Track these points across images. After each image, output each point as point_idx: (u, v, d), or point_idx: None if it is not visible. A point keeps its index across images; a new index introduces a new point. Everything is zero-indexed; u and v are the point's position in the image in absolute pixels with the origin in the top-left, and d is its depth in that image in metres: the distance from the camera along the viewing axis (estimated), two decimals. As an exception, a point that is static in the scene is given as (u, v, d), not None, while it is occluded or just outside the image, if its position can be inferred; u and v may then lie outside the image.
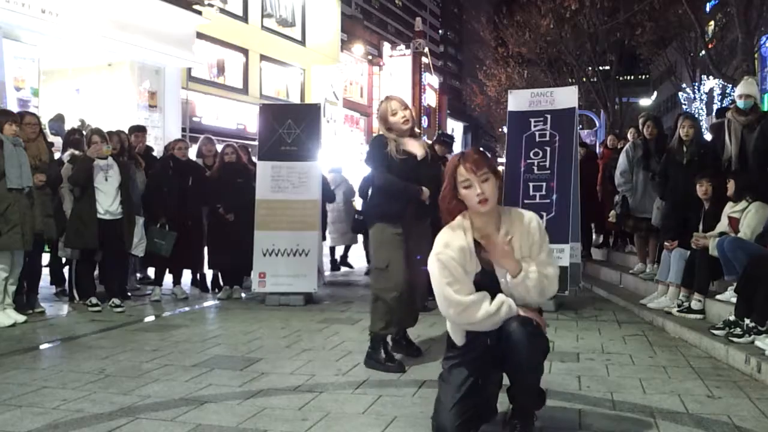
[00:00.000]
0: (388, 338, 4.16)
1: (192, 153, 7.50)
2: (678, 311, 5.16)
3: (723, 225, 5.14)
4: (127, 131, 7.21)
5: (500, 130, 37.63)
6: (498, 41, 28.38)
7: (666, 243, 5.74)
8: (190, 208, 6.78)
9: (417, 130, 4.18)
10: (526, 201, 6.07)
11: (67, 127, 8.33)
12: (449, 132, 40.47)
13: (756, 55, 18.47)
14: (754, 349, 3.87)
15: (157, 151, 8.72)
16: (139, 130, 7.50)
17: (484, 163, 2.57)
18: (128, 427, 2.94)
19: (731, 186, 5.14)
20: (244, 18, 17.42)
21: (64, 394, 3.41)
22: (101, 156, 5.92)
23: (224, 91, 16.73)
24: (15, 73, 9.23)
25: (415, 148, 4.06)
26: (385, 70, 29.90)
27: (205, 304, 6.65)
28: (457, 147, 41.09)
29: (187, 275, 7.42)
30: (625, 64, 28.69)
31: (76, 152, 6.21)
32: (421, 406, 3.19)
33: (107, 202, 5.94)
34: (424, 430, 2.92)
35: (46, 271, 6.79)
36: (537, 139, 6.24)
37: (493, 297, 2.54)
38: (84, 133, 6.52)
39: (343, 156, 17.63)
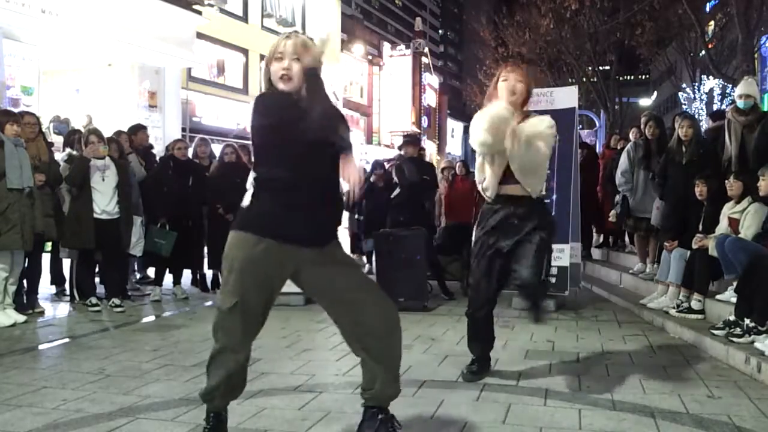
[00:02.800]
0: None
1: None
2: (678, 311, 5.16)
3: (723, 226, 5.12)
4: (126, 131, 7.21)
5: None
6: (498, 41, 28.35)
7: (666, 243, 5.73)
8: (190, 207, 6.78)
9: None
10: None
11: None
12: (449, 132, 40.61)
13: (756, 55, 18.47)
14: (754, 349, 3.87)
15: (157, 151, 8.70)
16: (141, 129, 7.51)
17: (524, 74, 3.57)
18: (128, 427, 2.94)
19: (737, 186, 5.06)
20: (244, 18, 17.44)
21: (64, 394, 3.41)
22: (98, 156, 5.92)
23: (224, 91, 16.75)
24: (8, 72, 9.19)
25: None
26: (385, 70, 29.90)
27: (205, 304, 6.64)
28: (458, 147, 41.28)
29: (187, 275, 7.42)
30: (625, 64, 28.67)
31: (74, 152, 6.20)
32: (421, 406, 3.19)
33: (104, 201, 5.93)
34: (424, 430, 2.93)
35: (46, 271, 6.79)
36: None
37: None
38: (85, 132, 6.52)
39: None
